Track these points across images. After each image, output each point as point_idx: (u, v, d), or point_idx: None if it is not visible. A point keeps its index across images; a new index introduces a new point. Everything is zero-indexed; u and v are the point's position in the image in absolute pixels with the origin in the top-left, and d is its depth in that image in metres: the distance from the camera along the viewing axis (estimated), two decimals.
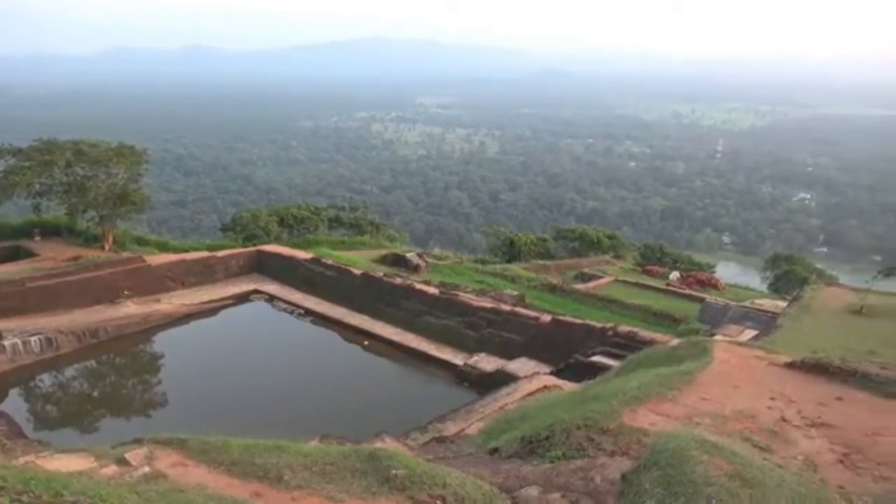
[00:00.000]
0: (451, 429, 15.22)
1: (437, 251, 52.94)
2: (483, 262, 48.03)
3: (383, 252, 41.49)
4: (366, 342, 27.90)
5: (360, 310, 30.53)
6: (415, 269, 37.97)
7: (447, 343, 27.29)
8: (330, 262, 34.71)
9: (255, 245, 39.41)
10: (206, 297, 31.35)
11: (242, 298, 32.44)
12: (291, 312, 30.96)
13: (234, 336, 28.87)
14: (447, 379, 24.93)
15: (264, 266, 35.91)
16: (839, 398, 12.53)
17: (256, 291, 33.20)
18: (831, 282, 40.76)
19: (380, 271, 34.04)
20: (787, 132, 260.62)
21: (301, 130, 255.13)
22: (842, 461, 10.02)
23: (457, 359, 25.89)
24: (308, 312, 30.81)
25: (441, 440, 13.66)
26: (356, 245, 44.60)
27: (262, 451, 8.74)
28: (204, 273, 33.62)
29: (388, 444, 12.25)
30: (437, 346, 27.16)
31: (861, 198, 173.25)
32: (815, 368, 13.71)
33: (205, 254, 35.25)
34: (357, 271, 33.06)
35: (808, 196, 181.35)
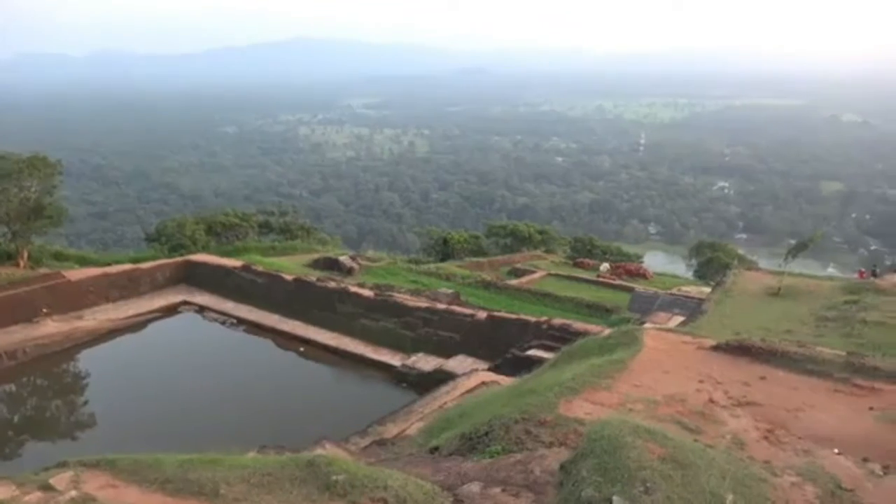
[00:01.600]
0: (391, 430, 15.17)
1: (370, 253, 52.64)
2: (417, 261, 48.08)
3: (315, 256, 40.97)
4: (302, 348, 27.50)
5: (295, 316, 30.05)
6: (348, 271, 37.66)
7: (384, 345, 27.18)
8: (261, 269, 34.06)
9: (181, 255, 38.26)
10: (132, 312, 30.24)
11: (171, 310, 31.44)
12: (223, 322, 30.21)
13: (164, 349, 27.95)
14: (386, 380, 24.82)
15: (193, 276, 34.91)
16: (762, 377, 13.08)
17: (185, 303, 32.24)
18: (751, 266, 42.48)
19: (313, 276, 33.62)
20: (705, 123, 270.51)
21: (225, 135, 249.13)
22: (766, 437, 10.47)
23: (395, 360, 25.82)
24: (241, 321, 30.12)
25: (381, 442, 13.59)
26: (287, 250, 43.88)
27: (197, 465, 8.49)
28: (129, 286, 32.42)
29: (328, 450, 12.11)
30: (375, 348, 27.02)
31: (775, 184, 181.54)
32: (739, 350, 14.27)
33: (129, 266, 33.97)
34: (289, 277, 32.54)
35: (727, 184, 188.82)
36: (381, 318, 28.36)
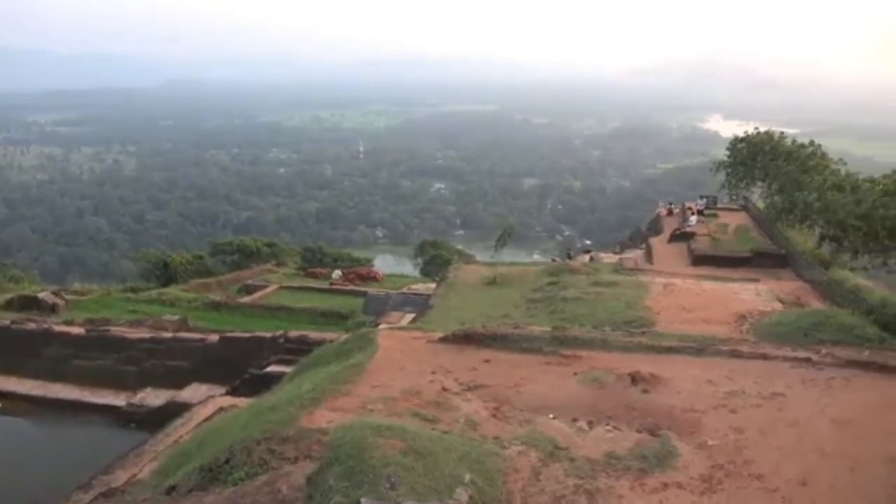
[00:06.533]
0: (120, 477, 13.77)
1: (77, 286, 47.05)
2: (135, 289, 44.11)
3: (8, 296, 35.63)
4: None
5: None
6: (52, 309, 33.35)
7: (104, 384, 24.74)
8: None
9: None
10: None
11: None
12: None
13: None
14: (110, 424, 22.60)
15: None
16: (487, 360, 14.25)
17: None
18: (469, 260, 46.13)
19: (6, 319, 29.24)
20: (417, 130, 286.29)
21: None
22: (494, 415, 11.44)
23: (118, 399, 23.64)
24: None
25: (109, 493, 12.25)
26: None
27: None
28: None
29: None
30: (93, 390, 24.43)
31: (483, 182, 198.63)
32: (465, 338, 15.39)
33: None
34: None
35: (443, 186, 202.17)
36: (98, 355, 25.71)
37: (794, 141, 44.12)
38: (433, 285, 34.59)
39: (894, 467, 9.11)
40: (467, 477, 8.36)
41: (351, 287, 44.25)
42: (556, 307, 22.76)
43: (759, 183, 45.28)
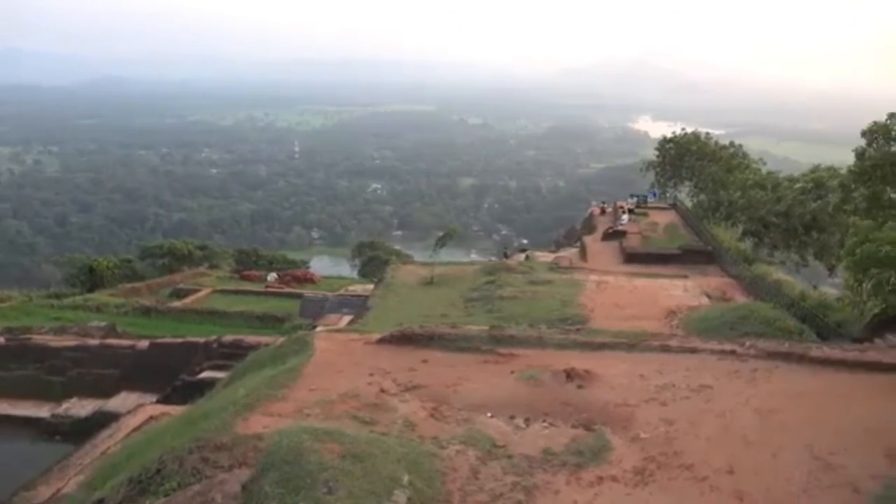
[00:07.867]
0: (43, 493, 13.23)
1: None
2: (59, 295, 42.47)
3: None
4: None
5: None
6: None
7: (26, 396, 23.76)
8: None
9: None
10: None
11: None
12: None
13: None
14: (33, 437, 21.62)
15: None
16: (424, 361, 14.26)
17: None
18: (407, 260, 46.13)
19: None
20: (354, 129, 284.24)
21: None
22: (433, 415, 11.46)
23: (42, 411, 22.73)
24: None
25: None
26: None
27: None
28: None
29: None
30: (12, 401, 23.43)
31: (420, 183, 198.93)
32: (402, 339, 15.36)
33: None
34: None
35: (380, 186, 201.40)
36: (18, 366, 24.65)
37: (716, 142, 45.86)
38: (371, 286, 34.46)
39: (812, 452, 9.56)
40: (406, 478, 8.36)
41: (287, 290, 43.68)
42: (493, 306, 23.01)
43: (687, 182, 46.85)
